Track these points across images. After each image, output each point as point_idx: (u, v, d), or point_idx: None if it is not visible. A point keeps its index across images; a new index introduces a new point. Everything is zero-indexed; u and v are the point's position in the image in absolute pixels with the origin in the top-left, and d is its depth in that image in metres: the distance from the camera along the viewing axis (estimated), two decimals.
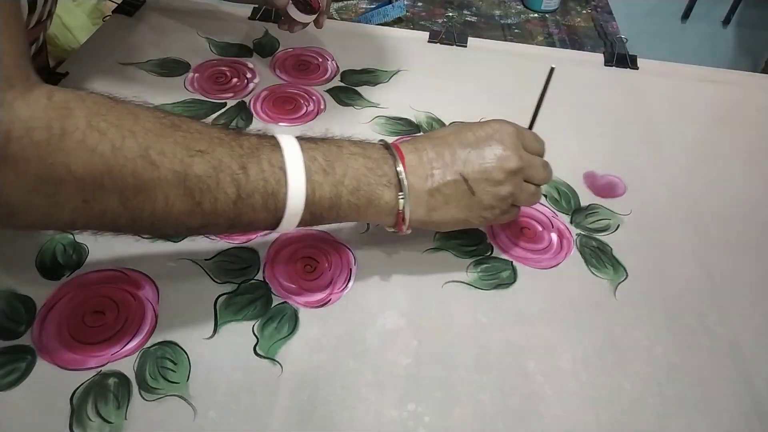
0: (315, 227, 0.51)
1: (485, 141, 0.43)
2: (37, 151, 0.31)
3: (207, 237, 0.49)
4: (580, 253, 0.52)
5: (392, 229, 0.45)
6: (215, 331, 0.44)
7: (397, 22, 0.88)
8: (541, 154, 0.47)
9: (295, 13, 0.61)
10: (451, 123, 0.45)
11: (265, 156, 0.38)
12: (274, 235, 0.50)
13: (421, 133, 0.44)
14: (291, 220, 0.39)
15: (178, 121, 0.36)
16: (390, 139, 0.60)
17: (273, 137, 0.39)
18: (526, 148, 0.45)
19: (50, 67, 0.69)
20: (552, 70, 0.46)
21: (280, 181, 0.38)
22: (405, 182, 0.41)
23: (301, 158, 0.38)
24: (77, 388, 0.40)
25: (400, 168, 0.42)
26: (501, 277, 0.49)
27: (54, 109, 0.31)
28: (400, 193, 0.42)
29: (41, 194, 0.32)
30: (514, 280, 0.49)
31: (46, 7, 0.53)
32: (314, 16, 0.63)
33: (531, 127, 0.49)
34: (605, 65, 0.75)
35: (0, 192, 0.31)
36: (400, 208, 0.42)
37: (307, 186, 0.38)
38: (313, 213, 0.40)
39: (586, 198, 0.57)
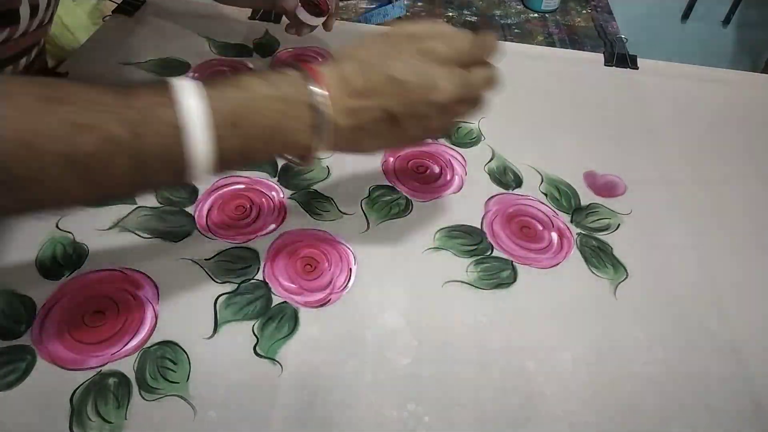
0: (317, 226, 0.51)
1: (414, 69, 0.39)
2: None
3: (208, 233, 0.49)
4: (581, 253, 0.52)
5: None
6: (215, 331, 0.44)
7: (397, 21, 0.88)
8: (487, 57, 0.41)
9: (304, 15, 0.61)
10: (386, 30, 0.41)
11: (159, 116, 0.34)
12: (274, 235, 0.50)
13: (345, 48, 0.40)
14: (199, 176, 0.36)
15: (61, 93, 0.32)
16: None
17: (169, 90, 0.35)
18: (465, 62, 0.40)
19: (50, 67, 0.69)
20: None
21: (177, 141, 0.34)
22: (328, 124, 0.38)
23: (202, 113, 0.35)
24: (77, 388, 0.40)
25: (322, 109, 0.37)
26: (501, 277, 0.49)
27: None
28: (320, 136, 0.38)
29: None
30: (514, 280, 0.49)
31: (48, 11, 0.53)
32: (323, 19, 0.63)
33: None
34: (605, 65, 0.75)
35: None
36: (317, 147, 0.39)
37: (210, 142, 0.35)
38: (224, 166, 0.37)
39: (586, 197, 0.57)
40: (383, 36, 0.41)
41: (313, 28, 0.65)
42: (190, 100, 0.35)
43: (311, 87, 0.38)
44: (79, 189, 0.33)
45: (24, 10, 0.47)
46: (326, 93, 0.38)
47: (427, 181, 0.57)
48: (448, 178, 0.57)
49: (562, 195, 0.57)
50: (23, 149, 0.31)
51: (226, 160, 0.36)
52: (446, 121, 0.41)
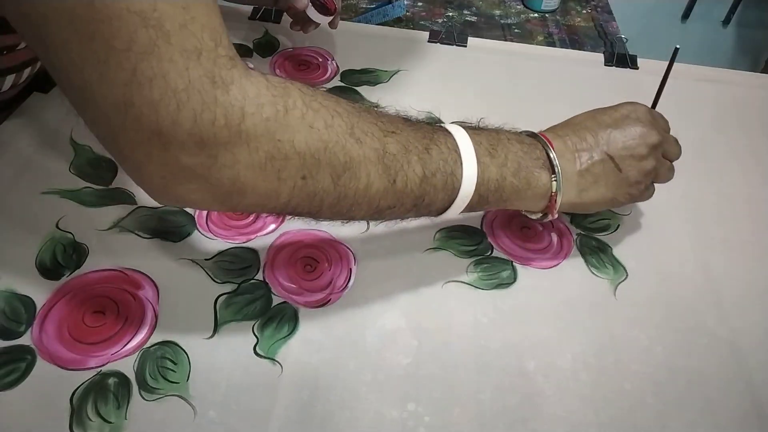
0: (317, 226, 0.51)
1: (623, 121, 0.46)
2: (266, 127, 0.32)
3: (208, 233, 0.49)
4: (580, 253, 0.52)
5: (539, 215, 0.47)
6: (215, 331, 0.44)
7: (397, 22, 0.88)
8: (668, 132, 0.50)
9: (314, 14, 0.62)
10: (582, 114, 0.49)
11: (440, 139, 0.40)
12: (274, 235, 0.50)
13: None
14: (462, 202, 0.42)
15: (366, 109, 0.38)
16: None
17: (440, 124, 0.42)
18: (658, 127, 0.47)
19: None
20: (676, 50, 0.48)
21: (456, 161, 0.40)
22: (557, 164, 0.44)
23: (470, 142, 0.41)
24: (77, 388, 0.40)
25: (552, 153, 0.44)
26: (501, 277, 0.49)
27: (274, 87, 0.33)
28: (553, 176, 0.44)
29: (268, 172, 0.33)
30: (514, 280, 0.49)
31: None
32: (330, 17, 0.64)
33: (654, 107, 0.51)
34: (605, 65, 0.75)
35: (233, 170, 0.32)
36: (554, 190, 0.44)
37: (478, 167, 0.41)
38: (480, 194, 0.42)
39: None
40: (586, 112, 0.49)
41: (317, 25, 0.66)
42: (459, 131, 0.42)
43: (540, 140, 0.45)
44: (380, 184, 0.37)
45: None
46: (550, 143, 0.44)
47: None
48: None
49: None
50: (350, 137, 0.36)
51: (485, 187, 0.42)
52: (656, 165, 0.47)
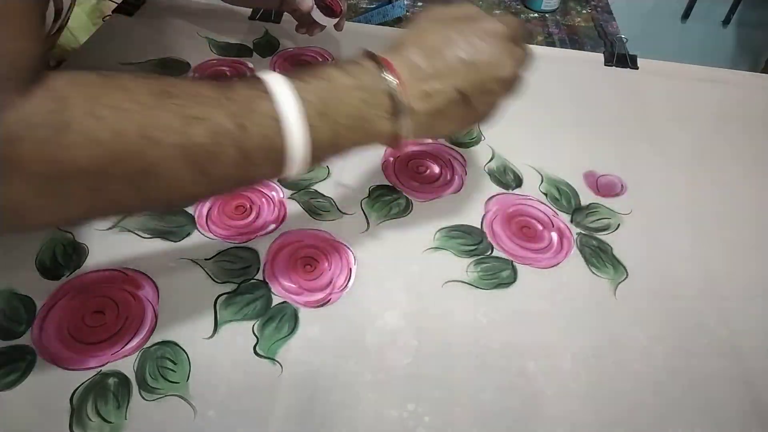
0: (317, 226, 0.51)
1: (479, 48, 0.41)
2: (42, 149, 0.30)
3: (208, 233, 0.49)
4: (581, 253, 0.52)
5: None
6: (215, 330, 0.44)
7: (397, 22, 0.88)
8: (523, 38, 0.44)
9: (319, 16, 0.62)
10: (432, 12, 0.43)
11: (259, 108, 0.36)
12: (274, 235, 0.50)
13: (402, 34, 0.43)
14: (295, 168, 0.38)
15: (169, 87, 0.34)
16: None
17: (262, 82, 0.37)
18: (514, 40, 0.43)
19: (50, 67, 0.69)
20: None
21: (278, 132, 0.36)
22: (406, 110, 0.40)
23: (295, 104, 0.36)
24: (77, 388, 0.40)
25: (398, 96, 0.39)
26: (501, 277, 0.49)
27: (52, 100, 0.30)
28: (401, 122, 0.40)
29: (50, 193, 0.31)
30: (514, 280, 0.49)
31: (68, 15, 0.53)
32: (336, 20, 0.64)
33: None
34: (605, 65, 0.75)
35: (9, 197, 0.30)
36: (402, 134, 0.41)
37: (306, 133, 0.37)
38: (316, 156, 0.38)
39: (586, 197, 0.57)
40: (436, 21, 0.43)
41: (323, 28, 0.66)
42: (283, 91, 0.36)
43: (385, 75, 0.39)
44: (192, 182, 0.34)
45: (49, 13, 0.47)
46: (398, 80, 0.39)
47: (427, 181, 0.57)
48: (448, 178, 0.57)
49: (562, 195, 0.57)
50: (143, 141, 0.32)
51: (318, 150, 0.38)
52: (507, 96, 0.43)
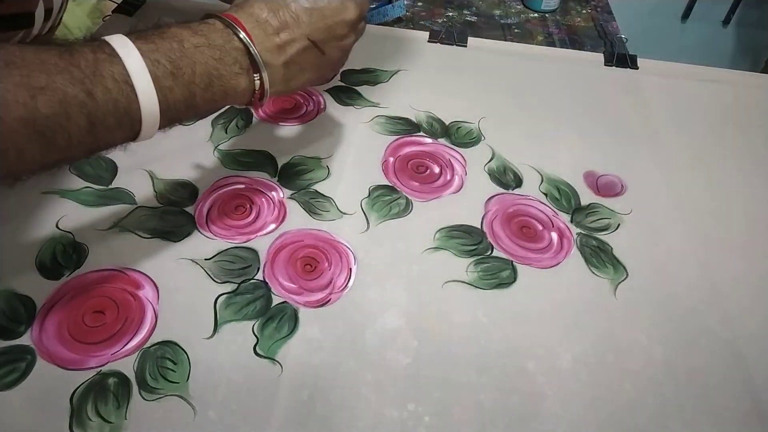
0: (317, 226, 0.51)
1: None
2: None
3: (208, 233, 0.49)
4: (581, 253, 0.52)
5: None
6: (215, 330, 0.44)
7: (397, 21, 0.88)
8: None
9: None
10: None
11: (107, 72, 0.35)
12: (274, 235, 0.50)
13: None
14: (150, 131, 0.38)
15: (12, 56, 0.32)
16: (389, 139, 0.60)
17: (108, 45, 0.36)
18: None
19: None
20: None
21: (129, 96, 0.35)
22: (261, 64, 0.40)
23: (144, 66, 0.36)
24: (77, 388, 0.40)
25: (252, 49, 0.40)
26: (501, 277, 0.49)
27: None
28: (255, 76, 0.41)
29: None
30: (514, 280, 0.49)
31: (60, 14, 0.53)
32: None
33: None
34: (605, 65, 0.75)
35: None
36: (257, 88, 0.41)
37: (158, 94, 0.36)
38: (170, 118, 0.38)
39: (586, 197, 0.57)
40: None
41: None
42: (131, 53, 0.36)
43: (238, 34, 0.40)
44: (37, 150, 0.33)
45: (39, 13, 0.48)
46: (249, 35, 0.40)
47: (427, 181, 0.57)
48: (448, 178, 0.57)
49: (562, 195, 0.57)
50: None
51: (172, 112, 0.37)
52: (354, 39, 0.46)
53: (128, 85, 0.35)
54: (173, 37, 0.38)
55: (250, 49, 0.40)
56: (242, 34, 0.40)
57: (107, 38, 0.36)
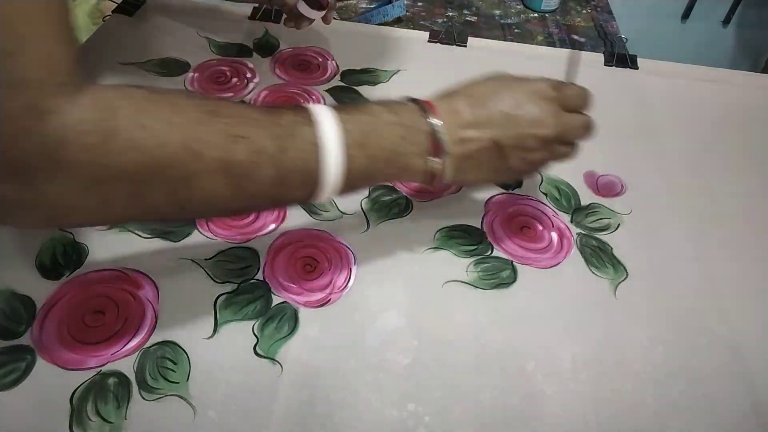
0: (317, 226, 0.51)
1: (522, 104, 0.43)
2: (89, 154, 0.31)
3: (208, 233, 0.49)
4: (581, 253, 0.52)
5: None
6: (215, 330, 0.44)
7: (397, 21, 0.88)
8: (583, 108, 0.46)
9: (305, 9, 0.62)
10: (490, 74, 0.45)
11: (301, 133, 0.37)
12: (274, 235, 0.50)
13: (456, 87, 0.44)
14: (326, 194, 0.40)
15: (218, 107, 0.36)
16: None
17: (307, 110, 0.39)
18: (566, 107, 0.44)
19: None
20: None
21: (316, 159, 0.38)
22: (444, 148, 0.41)
23: (337, 133, 0.38)
24: (77, 388, 0.40)
25: (440, 134, 0.41)
26: (501, 277, 0.49)
27: (101, 110, 0.32)
28: (435, 160, 0.41)
29: (93, 195, 0.33)
30: (514, 280, 0.49)
31: None
32: (323, 13, 0.64)
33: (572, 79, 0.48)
34: (605, 65, 0.75)
35: (55, 195, 0.32)
36: (436, 172, 0.42)
37: (343, 161, 0.38)
38: (349, 185, 0.40)
39: (586, 197, 0.57)
40: (493, 78, 0.45)
41: (311, 21, 0.65)
42: (327, 120, 0.38)
43: (429, 117, 0.41)
44: (227, 192, 0.36)
45: None
46: (441, 122, 0.41)
47: None
48: None
49: (562, 195, 0.57)
50: (186, 152, 0.33)
51: (352, 179, 0.39)
52: (545, 157, 0.45)
53: (317, 147, 0.37)
54: (368, 111, 0.41)
55: (438, 133, 0.41)
56: (433, 119, 0.41)
57: (308, 105, 0.39)
